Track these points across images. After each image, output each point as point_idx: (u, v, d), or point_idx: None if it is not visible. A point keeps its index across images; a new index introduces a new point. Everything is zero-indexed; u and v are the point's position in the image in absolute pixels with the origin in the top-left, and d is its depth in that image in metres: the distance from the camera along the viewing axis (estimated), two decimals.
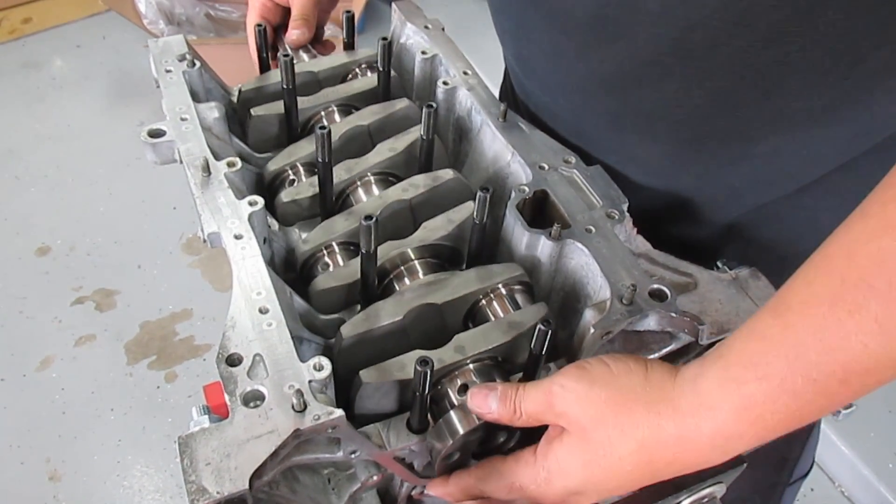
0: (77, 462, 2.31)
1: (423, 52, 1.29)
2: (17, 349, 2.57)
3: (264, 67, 1.33)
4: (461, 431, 0.87)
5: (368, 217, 0.91)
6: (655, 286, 0.94)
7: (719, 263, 1.04)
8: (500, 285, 1.01)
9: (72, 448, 2.34)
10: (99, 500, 2.25)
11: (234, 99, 1.30)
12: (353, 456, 0.88)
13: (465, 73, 1.24)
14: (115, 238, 2.93)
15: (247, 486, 0.75)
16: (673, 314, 0.93)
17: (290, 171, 1.18)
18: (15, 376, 2.49)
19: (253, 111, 1.23)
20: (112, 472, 2.30)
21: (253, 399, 0.81)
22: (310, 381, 0.83)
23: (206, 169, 1.03)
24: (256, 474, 0.76)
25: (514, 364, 0.97)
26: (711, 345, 1.02)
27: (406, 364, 0.90)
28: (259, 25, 1.28)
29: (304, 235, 1.11)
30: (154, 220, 2.97)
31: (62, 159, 3.24)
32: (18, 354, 2.55)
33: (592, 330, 0.90)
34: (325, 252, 1.09)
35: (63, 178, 3.16)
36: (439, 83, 1.23)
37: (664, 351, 0.99)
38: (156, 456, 2.35)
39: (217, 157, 1.07)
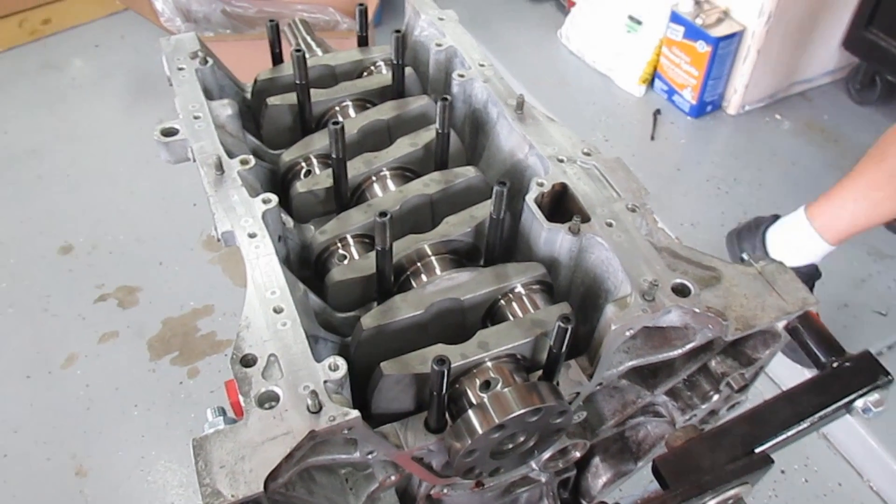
0: (102, 457, 2.33)
1: (438, 45, 1.27)
2: (43, 347, 2.59)
3: (277, 63, 1.31)
4: (480, 431, 0.85)
5: (383, 214, 0.90)
6: (678, 281, 0.92)
7: (744, 256, 1.01)
8: (520, 285, 0.99)
9: (97, 444, 2.35)
10: (124, 495, 2.26)
11: (248, 95, 1.29)
12: (370, 456, 0.87)
13: (482, 65, 1.22)
14: (137, 235, 2.94)
15: (261, 489, 0.74)
16: (696, 310, 0.90)
17: (304, 163, 1.17)
18: (41, 373, 2.51)
19: (269, 100, 1.21)
20: (136, 466, 2.32)
21: (268, 400, 0.80)
22: (325, 382, 0.82)
23: (219, 167, 1.02)
24: (271, 476, 0.75)
25: (534, 362, 0.95)
26: (736, 340, 0.99)
27: (428, 358, 0.88)
28: (271, 21, 1.27)
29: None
30: (174, 217, 2.98)
31: (83, 158, 3.25)
32: (44, 352, 2.57)
33: (613, 326, 0.88)
34: (340, 245, 1.08)
35: (84, 177, 3.17)
36: (454, 75, 1.21)
37: (688, 347, 0.96)
38: (179, 451, 2.36)
39: (230, 155, 1.05)
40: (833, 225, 2.19)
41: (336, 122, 1.00)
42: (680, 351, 0.96)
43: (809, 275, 2.28)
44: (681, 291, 0.91)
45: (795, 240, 2.28)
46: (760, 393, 1.71)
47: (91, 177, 3.23)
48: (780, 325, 0.99)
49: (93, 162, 3.28)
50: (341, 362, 0.83)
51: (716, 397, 1.08)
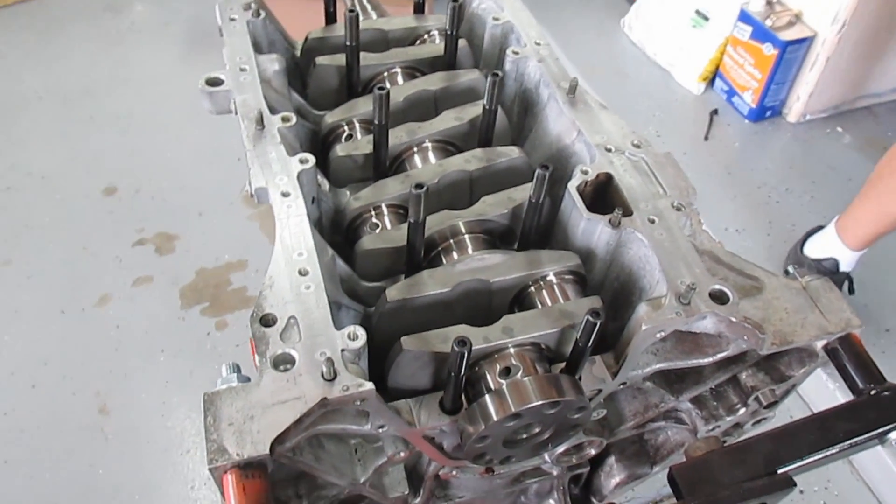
0: (125, 398, 2.37)
1: (495, 19, 1.23)
2: (78, 284, 2.64)
3: (331, 22, 1.29)
4: (495, 418, 0.83)
5: (419, 186, 0.88)
6: (717, 287, 0.88)
7: (789, 269, 0.97)
8: (552, 273, 0.96)
9: (121, 384, 2.40)
10: (143, 437, 2.30)
11: (298, 53, 1.28)
12: (380, 430, 0.86)
13: (538, 44, 1.18)
14: (180, 184, 2.97)
15: (267, 452, 0.73)
16: (732, 319, 0.86)
17: (346, 127, 1.15)
18: (74, 310, 2.56)
19: (317, 60, 1.19)
20: (157, 411, 2.35)
21: (283, 362, 0.79)
22: (342, 350, 0.80)
23: (260, 122, 1.00)
24: (279, 440, 0.74)
25: (558, 354, 0.92)
26: (771, 355, 0.95)
27: (449, 337, 0.86)
28: None
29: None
30: (218, 169, 3.00)
31: (135, 103, 3.29)
32: (79, 290, 2.62)
33: (644, 327, 0.85)
34: (373, 213, 1.06)
35: (135, 122, 3.21)
36: (509, 52, 1.18)
37: (719, 356, 0.92)
38: (200, 401, 2.39)
39: (273, 111, 1.04)
40: (846, 225, 2.42)
41: (382, 88, 0.98)
42: (711, 359, 0.93)
43: (830, 271, 2.48)
44: (719, 298, 0.87)
45: (822, 237, 2.53)
46: (788, 410, 1.67)
47: (141, 122, 3.26)
48: (820, 344, 0.94)
49: (144, 107, 3.32)
50: (361, 332, 0.81)
51: (742, 411, 1.04)
